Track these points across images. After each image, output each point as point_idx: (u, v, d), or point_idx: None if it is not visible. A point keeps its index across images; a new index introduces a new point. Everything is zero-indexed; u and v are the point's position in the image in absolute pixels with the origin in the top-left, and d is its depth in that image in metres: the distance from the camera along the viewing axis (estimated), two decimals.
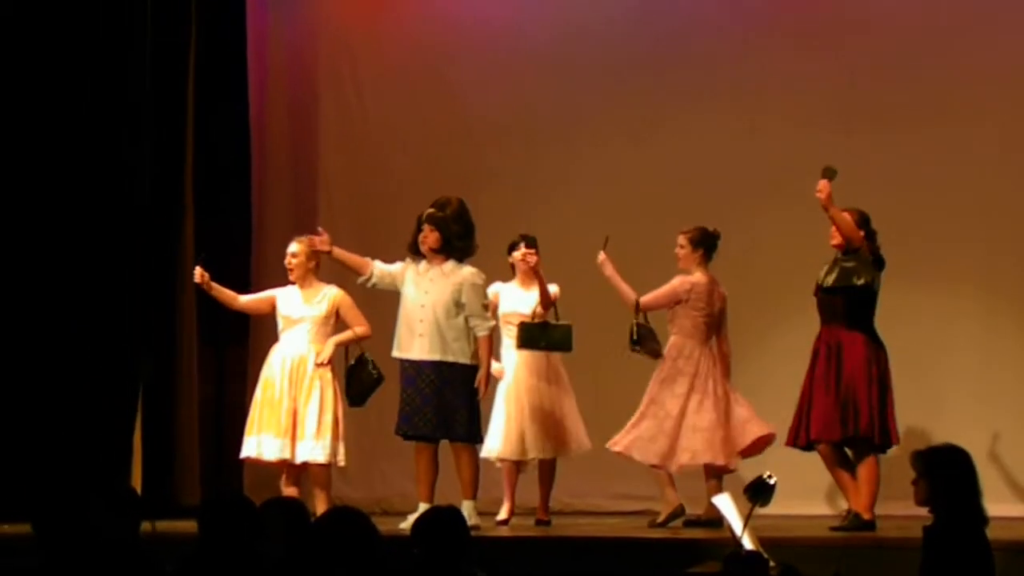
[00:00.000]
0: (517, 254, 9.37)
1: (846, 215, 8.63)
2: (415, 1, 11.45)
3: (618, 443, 9.12)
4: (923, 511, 5.84)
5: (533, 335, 9.16)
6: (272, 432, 9.03)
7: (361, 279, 8.99)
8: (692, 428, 8.95)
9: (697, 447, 8.93)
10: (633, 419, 9.09)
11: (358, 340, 9.17)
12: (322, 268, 9.34)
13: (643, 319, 9.07)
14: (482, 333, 8.73)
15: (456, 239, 8.74)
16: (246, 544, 5.29)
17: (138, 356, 10.25)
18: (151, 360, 10.27)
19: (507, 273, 9.49)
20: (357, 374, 9.10)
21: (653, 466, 9.06)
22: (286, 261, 9.22)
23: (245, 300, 9.41)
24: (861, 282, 8.55)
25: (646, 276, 9.21)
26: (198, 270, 9.20)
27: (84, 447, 9.89)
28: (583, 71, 10.98)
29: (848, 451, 8.61)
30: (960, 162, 10.26)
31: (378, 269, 8.93)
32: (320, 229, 9.06)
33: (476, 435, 8.85)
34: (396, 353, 8.80)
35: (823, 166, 8.55)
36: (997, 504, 9.02)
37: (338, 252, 9.02)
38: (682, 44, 10.85)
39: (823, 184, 8.51)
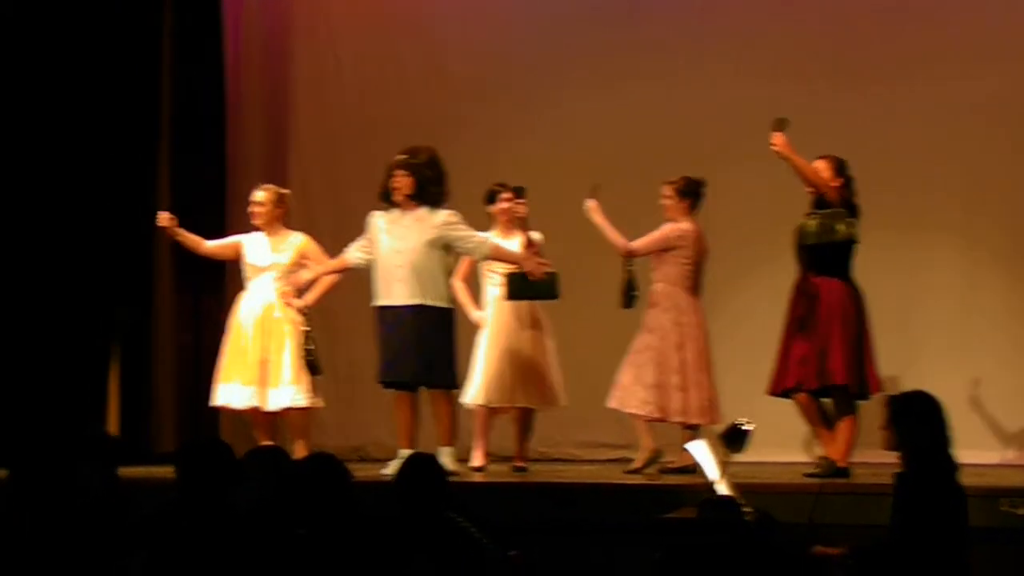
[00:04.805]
0: (495, 207, 9.32)
1: (819, 163, 8.59)
2: None
3: (613, 399, 9.09)
4: (898, 458, 5.85)
5: (519, 286, 9.08)
6: (240, 381, 9.03)
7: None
8: (694, 385, 8.93)
9: (692, 408, 8.93)
10: (623, 371, 9.07)
11: (331, 285, 9.14)
12: (295, 218, 9.33)
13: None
14: (488, 243, 8.77)
15: (430, 185, 8.68)
16: (223, 489, 5.29)
17: (113, 303, 10.23)
18: (128, 308, 10.24)
19: (480, 222, 9.43)
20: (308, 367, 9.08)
21: (633, 414, 9.04)
22: (250, 209, 9.18)
23: (211, 245, 9.35)
24: (842, 236, 8.51)
25: (621, 223, 9.16)
26: (164, 214, 9.16)
27: (61, 393, 9.88)
28: (556, 20, 10.95)
29: (827, 400, 8.62)
30: (940, 111, 10.24)
31: (354, 257, 8.85)
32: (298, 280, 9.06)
33: (454, 381, 8.84)
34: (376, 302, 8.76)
35: (774, 118, 8.50)
36: (975, 451, 9.10)
37: (318, 271, 9.01)
38: None
39: (777, 137, 8.46)
